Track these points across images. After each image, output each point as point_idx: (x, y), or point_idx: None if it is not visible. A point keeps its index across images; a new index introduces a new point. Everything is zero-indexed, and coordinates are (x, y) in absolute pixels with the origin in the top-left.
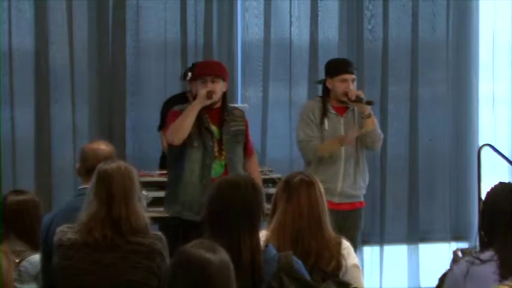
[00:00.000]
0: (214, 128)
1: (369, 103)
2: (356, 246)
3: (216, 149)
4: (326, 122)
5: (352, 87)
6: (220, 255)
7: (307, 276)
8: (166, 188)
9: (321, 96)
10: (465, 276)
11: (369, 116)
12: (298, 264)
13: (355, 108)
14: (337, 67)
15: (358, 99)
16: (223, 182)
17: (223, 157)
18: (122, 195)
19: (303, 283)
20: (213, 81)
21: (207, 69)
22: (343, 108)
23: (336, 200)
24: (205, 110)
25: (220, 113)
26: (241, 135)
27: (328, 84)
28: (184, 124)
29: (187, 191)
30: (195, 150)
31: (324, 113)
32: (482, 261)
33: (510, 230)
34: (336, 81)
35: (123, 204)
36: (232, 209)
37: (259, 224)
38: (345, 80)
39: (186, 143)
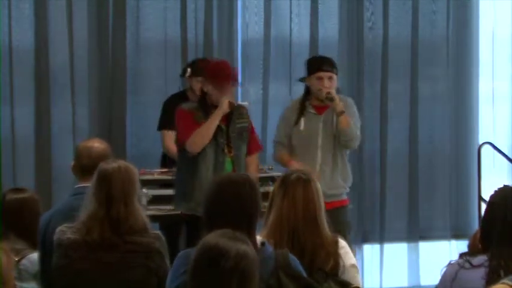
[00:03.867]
0: (223, 126)
1: (330, 99)
2: (349, 245)
3: (225, 147)
4: (302, 121)
5: (329, 85)
6: (245, 247)
7: (304, 274)
8: (176, 187)
9: (303, 95)
10: (453, 280)
11: (341, 114)
12: (295, 261)
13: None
14: (313, 65)
15: (328, 98)
16: (221, 181)
17: (231, 154)
18: (121, 196)
19: (300, 280)
20: (229, 87)
21: (225, 77)
22: (323, 107)
23: None
24: (214, 108)
25: (228, 111)
26: (246, 133)
27: (307, 82)
28: (207, 134)
29: (203, 188)
30: (207, 148)
31: (301, 112)
32: (472, 266)
33: (507, 239)
34: (312, 79)
35: (122, 205)
36: (230, 208)
37: (256, 223)
38: (320, 78)
39: None
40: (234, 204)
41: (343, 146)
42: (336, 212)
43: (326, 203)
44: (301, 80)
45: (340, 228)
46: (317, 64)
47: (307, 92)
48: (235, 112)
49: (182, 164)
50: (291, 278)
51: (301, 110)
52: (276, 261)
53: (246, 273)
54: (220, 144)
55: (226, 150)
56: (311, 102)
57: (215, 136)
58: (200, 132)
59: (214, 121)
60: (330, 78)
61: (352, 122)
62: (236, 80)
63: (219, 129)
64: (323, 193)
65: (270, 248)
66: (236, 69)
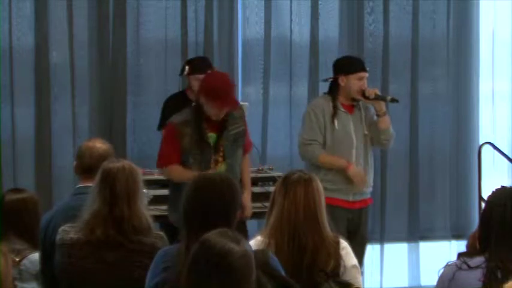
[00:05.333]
0: (213, 136)
1: (394, 100)
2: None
3: (215, 157)
4: (336, 121)
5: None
6: (242, 246)
7: (283, 273)
8: (169, 195)
9: (328, 94)
10: (450, 280)
11: (384, 114)
12: (275, 261)
13: (362, 106)
14: (353, 65)
15: (378, 97)
16: (200, 180)
17: (223, 163)
18: (125, 195)
19: (279, 279)
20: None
21: (218, 101)
22: (351, 105)
23: (350, 198)
24: (207, 120)
25: (220, 120)
26: (241, 138)
27: (341, 82)
28: (181, 180)
29: None
30: (192, 166)
31: (335, 111)
32: (470, 267)
33: (504, 240)
34: (351, 78)
35: (125, 204)
36: (207, 207)
37: (235, 222)
38: (362, 78)
39: (183, 160)
40: (212, 204)
41: (381, 145)
42: (369, 209)
43: (361, 201)
44: (327, 79)
45: (367, 224)
46: (358, 64)
47: (335, 90)
48: (229, 118)
49: None
50: (270, 276)
51: (334, 109)
52: (255, 259)
53: (238, 272)
54: (205, 160)
55: (219, 159)
56: (340, 101)
57: (202, 150)
58: (175, 174)
59: (187, 177)
60: (367, 78)
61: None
62: (229, 105)
63: (205, 144)
64: (359, 192)
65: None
66: (233, 89)
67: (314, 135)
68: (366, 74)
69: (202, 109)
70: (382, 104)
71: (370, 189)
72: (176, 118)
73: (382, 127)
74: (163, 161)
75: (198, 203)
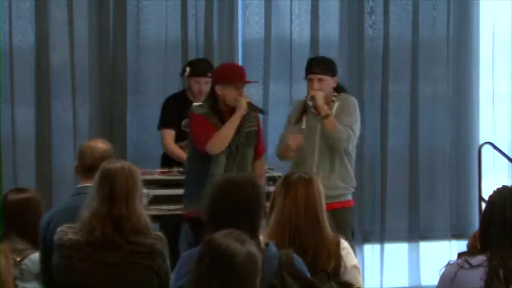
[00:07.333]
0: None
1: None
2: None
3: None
4: (304, 120)
5: (319, 87)
6: (247, 247)
7: (308, 274)
8: (187, 188)
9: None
10: (452, 280)
11: (324, 117)
12: (299, 261)
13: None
14: (306, 66)
15: (309, 104)
16: (225, 181)
17: (236, 161)
18: (123, 195)
19: (304, 281)
20: (243, 87)
21: (240, 76)
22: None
23: None
24: (227, 112)
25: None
26: (253, 137)
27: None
28: (228, 136)
29: None
30: (221, 153)
31: (304, 111)
32: (472, 266)
33: (505, 239)
34: (307, 80)
35: (124, 204)
36: (233, 208)
37: (260, 223)
38: (310, 80)
39: None
40: (237, 205)
41: (334, 148)
42: (337, 213)
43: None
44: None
45: (340, 229)
46: (308, 66)
47: None
48: (245, 116)
49: (191, 166)
50: (295, 278)
51: (304, 109)
52: (279, 261)
53: (241, 272)
54: (233, 149)
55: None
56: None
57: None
58: (222, 134)
59: (235, 122)
60: (320, 80)
61: (343, 123)
62: (247, 82)
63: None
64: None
65: (274, 248)
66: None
67: (283, 134)
68: (315, 76)
69: (218, 105)
70: (320, 108)
71: (343, 191)
72: (198, 110)
73: (325, 130)
74: (204, 138)
75: (222, 204)
